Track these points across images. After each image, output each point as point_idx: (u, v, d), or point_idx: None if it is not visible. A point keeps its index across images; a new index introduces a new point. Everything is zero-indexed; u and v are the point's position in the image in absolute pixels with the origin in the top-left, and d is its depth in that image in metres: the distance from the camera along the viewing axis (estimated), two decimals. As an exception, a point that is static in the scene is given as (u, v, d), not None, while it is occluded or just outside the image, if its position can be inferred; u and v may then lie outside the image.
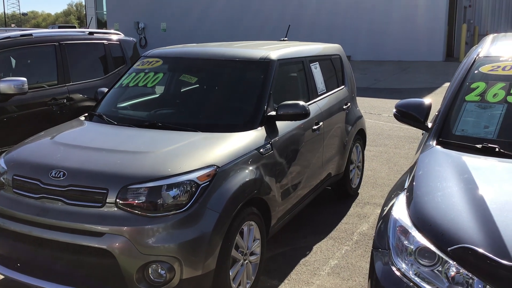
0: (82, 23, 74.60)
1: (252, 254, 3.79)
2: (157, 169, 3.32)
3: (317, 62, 5.28)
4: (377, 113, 11.20)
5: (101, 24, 33.95)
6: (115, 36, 7.10)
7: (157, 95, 4.77)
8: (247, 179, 3.63)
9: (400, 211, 2.40)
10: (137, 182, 3.24)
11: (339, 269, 4.28)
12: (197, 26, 26.46)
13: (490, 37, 4.05)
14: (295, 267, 4.31)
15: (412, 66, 20.34)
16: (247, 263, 3.72)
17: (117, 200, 3.21)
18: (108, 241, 3.14)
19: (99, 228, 3.18)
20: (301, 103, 4.13)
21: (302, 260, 4.44)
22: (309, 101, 4.83)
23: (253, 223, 3.75)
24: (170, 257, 3.18)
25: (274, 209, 4.03)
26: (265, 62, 4.39)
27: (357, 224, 5.20)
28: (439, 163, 2.69)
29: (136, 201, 3.21)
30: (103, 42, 6.81)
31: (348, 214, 5.47)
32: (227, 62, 4.53)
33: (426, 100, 3.32)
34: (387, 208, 2.59)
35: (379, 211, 5.50)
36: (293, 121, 4.34)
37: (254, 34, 22.74)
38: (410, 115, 3.28)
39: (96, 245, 3.16)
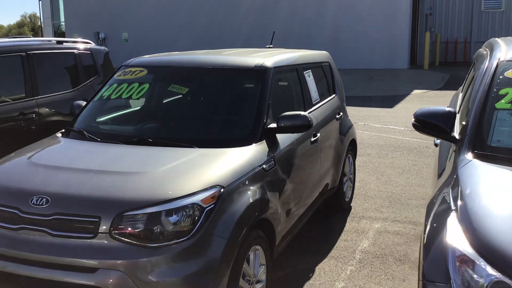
0: (37, 34, 72.60)
1: (257, 282, 3.43)
2: (155, 192, 2.92)
3: (310, 70, 4.98)
4: (353, 122, 10.97)
5: (59, 34, 32.95)
6: (85, 45, 6.63)
7: (142, 108, 4.35)
8: (253, 200, 3.28)
9: (456, 237, 2.10)
10: (134, 208, 2.83)
11: (347, 292, 3.95)
12: (160, 36, 25.92)
13: (499, 40, 3.83)
14: (300, 292, 3.96)
15: (378, 74, 20.39)
16: (253, 292, 3.36)
17: (111, 229, 2.80)
18: (102, 277, 2.73)
19: (91, 262, 2.75)
20: (303, 113, 3.81)
21: (306, 283, 4.09)
22: (305, 111, 4.51)
23: (259, 247, 3.39)
24: (175, 293, 2.79)
25: (278, 229, 3.68)
26: (261, 70, 4.06)
27: (357, 240, 4.90)
28: (488, 180, 2.40)
29: (133, 230, 2.81)
30: (74, 52, 6.33)
31: (346, 230, 5.16)
32: (220, 71, 4.16)
33: (450, 109, 3.04)
34: (433, 233, 2.27)
35: (376, 226, 5.23)
36: (293, 134, 4.01)
37: (219, 44, 22.42)
38: (434, 125, 2.99)
39: (88, 283, 2.73)
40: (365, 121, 11.18)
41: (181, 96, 4.17)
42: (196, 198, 2.93)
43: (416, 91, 16.08)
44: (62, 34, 31.08)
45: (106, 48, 6.97)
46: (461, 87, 5.50)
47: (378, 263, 4.42)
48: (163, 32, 26.04)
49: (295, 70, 4.65)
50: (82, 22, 28.25)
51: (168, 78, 4.27)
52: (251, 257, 3.29)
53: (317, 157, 4.61)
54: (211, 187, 3.02)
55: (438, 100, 14.26)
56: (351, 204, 5.86)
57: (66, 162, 3.38)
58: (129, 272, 2.72)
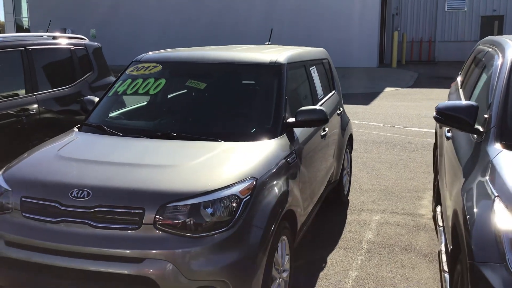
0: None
1: (283, 271, 3.53)
2: (195, 184, 2.99)
3: (315, 66, 5.11)
4: (333, 118, 11.20)
5: (22, 30, 32.20)
6: (79, 40, 6.58)
7: (160, 103, 4.37)
8: (282, 191, 3.38)
9: (506, 221, 2.27)
10: (177, 199, 2.90)
11: (362, 281, 4.10)
12: (129, 33, 25.68)
13: (506, 39, 4.03)
14: (317, 282, 4.08)
15: (349, 72, 20.75)
16: (281, 281, 3.46)
17: (156, 220, 2.85)
18: (149, 267, 2.78)
19: (138, 252, 2.80)
20: (320, 108, 3.94)
21: (321, 273, 4.22)
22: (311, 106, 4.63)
23: (285, 237, 3.50)
24: (219, 281, 2.87)
25: (299, 220, 3.80)
26: (276, 66, 4.16)
27: (361, 232, 5.06)
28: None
29: (176, 221, 2.87)
30: (70, 47, 6.27)
31: (348, 222, 5.31)
32: (236, 66, 4.24)
33: (473, 103, 3.22)
34: (476, 218, 2.43)
35: (376, 218, 5.40)
36: (307, 128, 4.14)
37: (189, 41, 22.40)
38: (458, 118, 3.16)
39: (136, 273, 2.78)
40: (344, 117, 11.39)
41: (196, 91, 4.21)
42: (235, 190, 3.01)
43: (388, 89, 16.48)
44: (26, 31, 30.36)
45: (99, 44, 6.93)
46: (454, 84, 5.73)
47: (386, 253, 4.59)
48: (132, 29, 25.79)
49: (303, 67, 4.77)
50: (48, 18, 27.59)
51: (185, 74, 4.31)
52: (279, 247, 3.39)
53: (326, 150, 4.75)
54: (247, 179, 3.11)
55: (411, 98, 14.67)
56: (348, 198, 6.03)
57: (97, 156, 3.40)
58: (175, 262, 2.78)
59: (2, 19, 39.54)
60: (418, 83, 17.94)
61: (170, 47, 5.36)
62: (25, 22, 33.75)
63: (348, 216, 5.49)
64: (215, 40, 20.57)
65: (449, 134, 3.97)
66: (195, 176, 3.08)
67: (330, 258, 4.49)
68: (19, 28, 33.19)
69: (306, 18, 22.97)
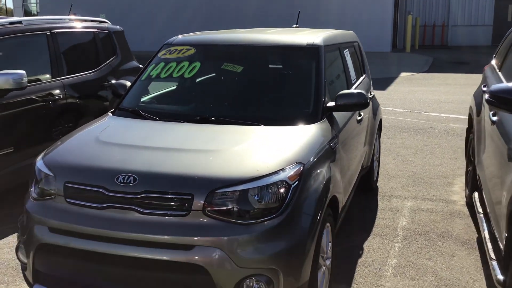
0: (0, 13, 70.40)
1: (327, 258, 3.45)
2: (244, 169, 2.90)
3: (347, 49, 4.99)
4: (352, 104, 11.06)
5: (30, 16, 32.03)
6: (103, 24, 6.47)
7: (195, 87, 4.25)
8: (327, 177, 3.29)
9: None
10: (226, 185, 2.81)
11: (402, 268, 4.01)
12: (139, 18, 25.48)
13: None
14: (357, 269, 4.00)
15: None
16: (325, 269, 3.39)
17: (205, 206, 2.77)
18: (200, 254, 2.70)
19: (187, 239, 2.72)
20: (360, 91, 3.82)
21: (359, 260, 4.14)
22: (348, 89, 4.52)
23: (328, 224, 3.41)
24: (269, 269, 2.78)
25: (340, 207, 3.72)
26: (314, 48, 4.05)
27: (395, 218, 4.97)
28: None
29: (226, 207, 2.79)
30: (93, 31, 6.17)
31: (380, 209, 5.22)
32: (272, 49, 4.13)
33: (528, 85, 3.10)
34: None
35: (408, 204, 5.31)
36: (344, 112, 4.03)
37: (205, 26, 22.19)
38: (514, 101, 3.04)
39: (187, 260, 2.70)
40: (362, 103, 11.24)
41: (233, 75, 4.10)
42: (283, 175, 2.92)
43: (404, 74, 16.29)
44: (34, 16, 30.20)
45: (121, 28, 6.82)
46: (489, 67, 5.58)
47: (423, 240, 4.50)
48: (142, 14, 25.59)
49: (337, 49, 4.65)
50: (57, 3, 27.44)
51: (220, 57, 4.20)
52: (324, 234, 3.31)
53: (361, 135, 4.65)
54: (294, 164, 3.01)
55: (428, 82, 14.48)
56: (377, 184, 5.93)
57: (138, 141, 3.31)
58: (225, 249, 2.70)
59: (10, 5, 39.38)
60: (433, 68, 17.71)
61: (183, 33, 5.20)
62: (34, 8, 33.60)
63: (380, 203, 5.40)
64: (234, 24, 20.36)
65: (494, 118, 3.85)
66: (242, 161, 2.99)
67: (366, 246, 4.41)
68: (28, 14, 33.03)
69: (316, 2, 22.68)
